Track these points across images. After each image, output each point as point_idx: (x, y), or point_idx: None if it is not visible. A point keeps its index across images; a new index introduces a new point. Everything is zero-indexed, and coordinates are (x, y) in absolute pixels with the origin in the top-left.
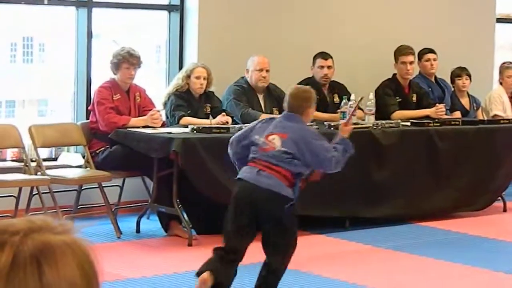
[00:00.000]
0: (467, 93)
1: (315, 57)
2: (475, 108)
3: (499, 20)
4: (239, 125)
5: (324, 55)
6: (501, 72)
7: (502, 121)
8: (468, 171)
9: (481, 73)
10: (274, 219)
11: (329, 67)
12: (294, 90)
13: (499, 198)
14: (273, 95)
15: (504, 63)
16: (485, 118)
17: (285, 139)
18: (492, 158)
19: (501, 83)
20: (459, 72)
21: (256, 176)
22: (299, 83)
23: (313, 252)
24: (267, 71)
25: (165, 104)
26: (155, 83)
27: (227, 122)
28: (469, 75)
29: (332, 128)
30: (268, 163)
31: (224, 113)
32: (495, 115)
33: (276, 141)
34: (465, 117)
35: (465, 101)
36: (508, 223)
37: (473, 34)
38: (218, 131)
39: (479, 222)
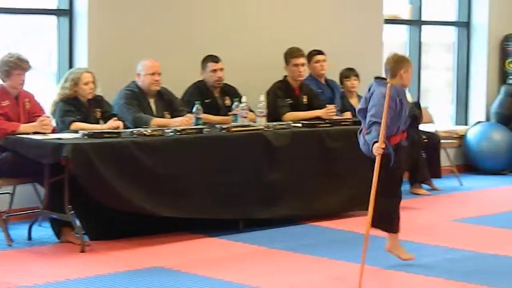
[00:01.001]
0: (356, 93)
1: (204, 61)
2: None
3: (387, 21)
4: (130, 130)
5: (214, 58)
6: None
7: None
8: (360, 171)
9: (370, 74)
10: None
11: (221, 69)
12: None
13: None
14: (165, 99)
15: None
16: None
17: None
18: None
19: None
20: (347, 73)
21: None
22: (189, 87)
23: (207, 255)
24: (159, 74)
25: (53, 112)
26: (46, 88)
27: (119, 127)
28: (357, 76)
29: (224, 131)
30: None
31: (115, 118)
32: None
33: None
34: (355, 117)
35: (354, 102)
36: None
37: (362, 35)
38: (109, 135)
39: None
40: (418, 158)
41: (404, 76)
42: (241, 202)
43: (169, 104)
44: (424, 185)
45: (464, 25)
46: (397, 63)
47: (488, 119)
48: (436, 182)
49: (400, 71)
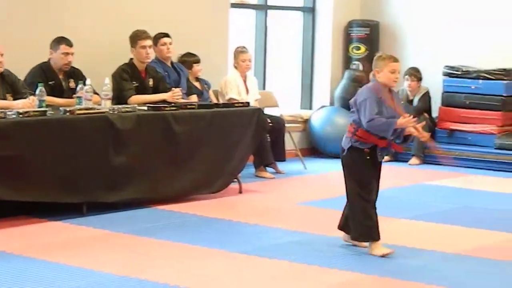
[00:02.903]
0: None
1: (57, 42)
2: (207, 90)
3: (234, 5)
4: None
5: (68, 42)
6: (235, 57)
7: (237, 105)
8: (205, 154)
9: (216, 58)
10: None
11: (72, 54)
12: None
13: (235, 180)
14: (7, 81)
15: (238, 47)
16: (220, 102)
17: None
18: (228, 141)
19: (235, 67)
20: (196, 59)
21: None
22: (33, 69)
23: (48, 239)
24: (1, 55)
25: None
26: None
27: None
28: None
29: (68, 114)
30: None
31: None
32: (231, 98)
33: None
34: (201, 100)
35: (197, 84)
36: (244, 204)
37: (208, 18)
38: None
39: (216, 204)
40: (263, 141)
41: (386, 76)
42: (85, 186)
43: (11, 86)
44: (268, 168)
45: (309, 11)
46: (377, 61)
47: (332, 104)
48: (281, 166)
49: (382, 68)
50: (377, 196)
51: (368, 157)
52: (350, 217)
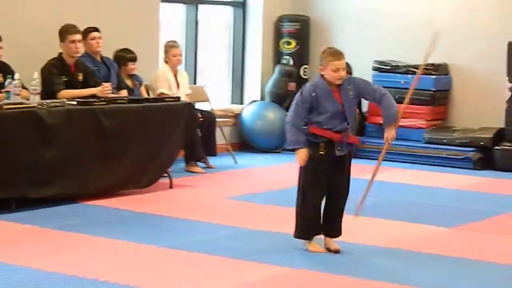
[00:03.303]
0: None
1: None
2: (138, 87)
3: (164, 0)
4: None
5: None
6: (166, 51)
7: (167, 99)
8: (135, 149)
9: (147, 52)
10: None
11: (1, 48)
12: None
13: (166, 174)
14: None
15: (168, 42)
16: (151, 96)
17: None
18: (158, 135)
19: (166, 62)
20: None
21: None
22: None
23: None
24: None
25: None
26: None
27: None
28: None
29: None
30: None
31: None
32: (161, 93)
33: None
34: (131, 95)
35: (128, 82)
36: (174, 199)
37: (138, 13)
38: None
39: (146, 199)
40: (193, 136)
41: (329, 74)
42: (14, 181)
43: None
44: (199, 163)
45: (239, 6)
46: (321, 57)
47: (263, 98)
48: (212, 160)
49: (326, 66)
50: (341, 193)
51: (322, 152)
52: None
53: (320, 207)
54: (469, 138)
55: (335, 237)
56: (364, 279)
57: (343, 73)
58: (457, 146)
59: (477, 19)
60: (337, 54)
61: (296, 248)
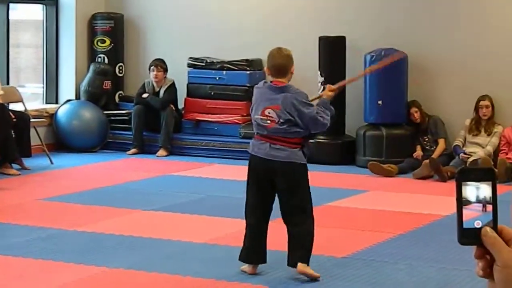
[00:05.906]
0: None
1: None
2: None
3: None
4: None
5: None
6: None
7: None
8: None
9: None
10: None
11: None
12: (277, 50)
13: None
14: None
15: None
16: None
17: (279, 111)
18: None
19: None
20: None
21: (269, 151)
22: None
23: None
24: None
25: None
26: None
27: None
28: None
29: None
30: (277, 137)
31: None
32: None
33: (273, 115)
34: None
35: None
36: None
37: None
38: None
39: None
40: (7, 137)
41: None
42: None
43: None
44: (14, 165)
45: (52, 4)
46: (289, 59)
47: (78, 97)
48: (27, 162)
49: (292, 68)
50: (288, 213)
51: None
52: None
53: None
54: None
55: None
56: (179, 275)
57: None
58: None
59: (286, 16)
60: (280, 55)
61: (113, 247)
